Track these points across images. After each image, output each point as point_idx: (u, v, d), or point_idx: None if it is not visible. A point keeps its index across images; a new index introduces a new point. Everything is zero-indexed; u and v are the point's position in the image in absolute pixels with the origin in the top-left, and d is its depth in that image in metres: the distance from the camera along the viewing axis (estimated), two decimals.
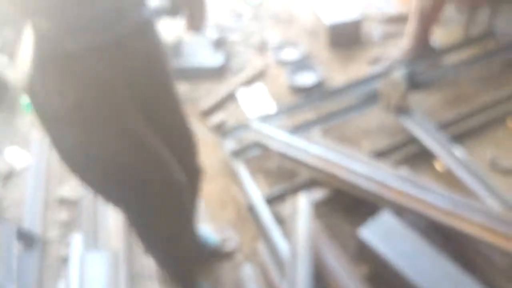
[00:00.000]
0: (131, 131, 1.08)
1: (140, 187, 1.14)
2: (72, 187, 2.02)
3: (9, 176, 2.15)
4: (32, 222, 1.92)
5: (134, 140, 1.09)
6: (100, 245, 1.80)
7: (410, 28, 2.33)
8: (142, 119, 1.11)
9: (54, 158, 2.20)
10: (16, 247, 1.80)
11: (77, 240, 1.82)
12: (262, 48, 2.68)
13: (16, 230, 1.81)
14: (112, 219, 1.85)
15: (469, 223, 1.44)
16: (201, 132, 2.21)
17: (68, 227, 1.91)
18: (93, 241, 1.82)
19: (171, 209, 1.24)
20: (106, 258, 1.73)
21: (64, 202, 1.98)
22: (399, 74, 2.07)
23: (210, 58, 2.57)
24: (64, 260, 1.79)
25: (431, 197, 1.54)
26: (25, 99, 2.45)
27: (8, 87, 2.54)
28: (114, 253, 1.73)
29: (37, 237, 1.87)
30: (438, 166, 1.86)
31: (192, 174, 1.40)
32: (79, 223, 1.90)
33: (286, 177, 1.92)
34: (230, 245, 1.72)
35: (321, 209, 1.75)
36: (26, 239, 1.85)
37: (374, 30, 2.72)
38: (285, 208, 1.73)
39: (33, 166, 2.15)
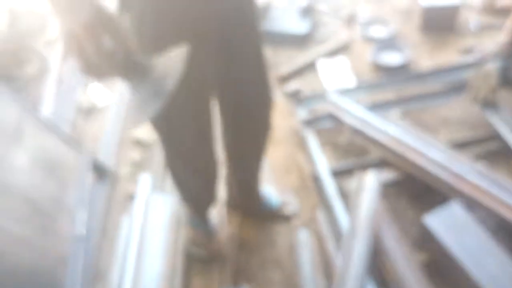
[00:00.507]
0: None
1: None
2: (147, 129, 2.12)
3: (91, 111, 2.30)
4: (106, 157, 2.05)
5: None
6: (167, 188, 1.90)
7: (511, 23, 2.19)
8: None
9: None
10: (90, 177, 1.94)
11: (145, 180, 1.93)
12: (350, 21, 2.63)
13: (91, 161, 1.94)
14: None
15: None
16: (276, 97, 2.23)
17: (139, 166, 2.03)
18: (160, 184, 1.92)
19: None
20: (171, 201, 1.82)
21: (138, 143, 2.10)
22: (492, 67, 1.96)
23: (296, 25, 2.56)
24: (131, 197, 1.91)
25: (506, 195, 1.48)
26: None
27: None
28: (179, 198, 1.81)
29: (109, 172, 2.00)
30: None
31: (261, 127, 1.42)
32: (149, 164, 2.01)
33: (355, 154, 1.91)
34: (290, 209, 1.75)
35: (388, 191, 1.73)
36: (99, 171, 1.98)
37: (471, 19, 2.58)
38: (351, 183, 1.73)
39: (114, 105, 2.28)
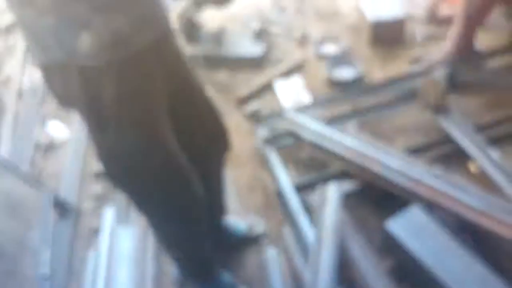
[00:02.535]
0: (159, 133, 1.14)
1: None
2: None
3: (50, 148, 2.25)
4: (68, 193, 2.01)
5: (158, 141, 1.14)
6: (131, 221, 1.86)
7: (455, 31, 2.29)
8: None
9: None
10: (52, 215, 1.89)
11: (109, 213, 1.89)
12: (303, 41, 2.69)
13: (52, 198, 1.89)
14: None
15: (501, 224, 1.41)
16: (236, 119, 2.25)
17: (101, 200, 1.99)
18: (124, 216, 1.89)
19: (182, 206, 1.28)
20: (136, 233, 1.79)
21: (100, 176, 2.06)
22: (440, 74, 2.04)
23: (251, 48, 2.60)
24: (96, 232, 1.86)
25: (464, 196, 1.52)
26: None
27: None
28: (144, 229, 1.78)
29: (72, 207, 1.95)
30: (472, 167, 1.83)
31: (216, 139, 1.43)
32: (112, 197, 1.97)
33: (317, 168, 1.93)
34: (257, 231, 1.74)
35: (350, 201, 1.75)
36: (62, 208, 1.93)
37: (417, 30, 2.68)
38: (314, 197, 1.74)
39: (73, 140, 2.24)
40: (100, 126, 1.07)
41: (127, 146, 1.09)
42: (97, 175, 2.06)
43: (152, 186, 1.19)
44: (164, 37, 1.10)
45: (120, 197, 1.93)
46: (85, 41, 0.91)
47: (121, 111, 1.04)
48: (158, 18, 1.06)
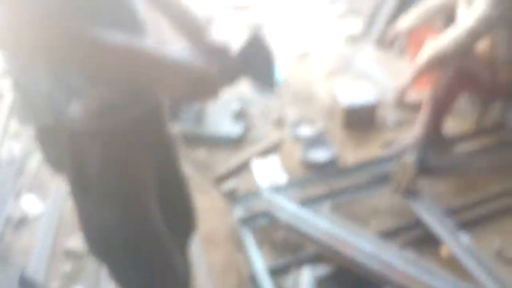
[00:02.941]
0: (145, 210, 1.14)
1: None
2: (79, 239, 2.04)
3: (21, 222, 2.20)
4: (36, 271, 1.93)
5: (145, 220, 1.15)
6: None
7: (423, 116, 2.41)
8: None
9: (67, 209, 2.26)
10: None
11: None
12: (279, 122, 2.79)
13: (18, 277, 1.82)
14: None
15: None
16: (213, 197, 2.26)
17: (70, 279, 1.92)
18: None
19: None
20: None
21: (69, 254, 2.00)
22: (410, 159, 2.11)
23: (230, 128, 2.68)
24: None
25: (435, 281, 1.53)
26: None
27: None
28: None
29: (39, 286, 1.87)
30: (443, 251, 1.84)
31: (184, 217, 1.42)
32: (81, 277, 1.91)
33: (292, 250, 1.92)
34: None
35: (324, 285, 1.73)
36: (28, 287, 1.85)
37: (388, 115, 2.81)
38: (288, 281, 1.72)
39: (46, 215, 2.20)
40: (82, 193, 1.07)
41: (106, 216, 1.08)
42: (67, 253, 2.00)
43: (132, 258, 1.16)
44: (154, 111, 1.13)
45: (88, 276, 1.88)
46: (75, 108, 0.94)
47: (102, 180, 1.04)
48: (150, 93, 1.08)
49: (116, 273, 1.23)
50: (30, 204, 2.27)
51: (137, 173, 1.10)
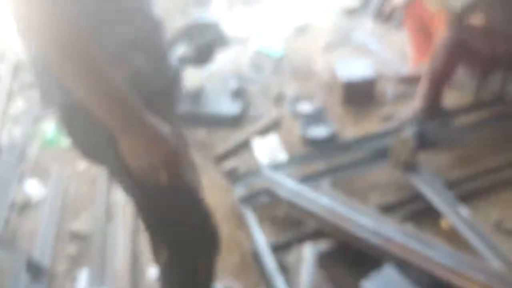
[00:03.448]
0: None
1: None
2: (83, 222, 2.07)
3: (25, 207, 2.22)
4: (41, 254, 1.96)
5: None
6: (106, 283, 1.82)
7: (422, 90, 2.39)
8: None
9: (70, 192, 2.27)
10: (24, 278, 1.83)
11: (83, 275, 1.85)
12: (279, 100, 2.77)
13: (25, 261, 1.85)
14: (120, 258, 1.88)
15: (472, 281, 1.43)
16: (213, 176, 2.26)
17: (76, 261, 1.94)
18: (99, 278, 1.84)
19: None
20: None
21: (74, 237, 2.03)
22: (409, 132, 2.11)
23: (229, 106, 2.66)
24: None
25: (435, 254, 1.54)
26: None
27: None
28: None
29: (45, 270, 1.90)
30: (443, 224, 1.85)
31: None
32: (87, 258, 1.93)
33: (293, 226, 1.94)
34: None
35: (326, 261, 1.75)
36: (34, 270, 1.88)
37: (387, 89, 2.79)
38: (290, 257, 1.73)
39: (49, 199, 2.21)
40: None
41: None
42: (72, 236, 2.02)
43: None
44: (171, 85, 1.11)
45: (95, 258, 1.90)
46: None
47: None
48: (168, 67, 1.07)
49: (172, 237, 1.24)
50: (33, 189, 2.29)
51: None
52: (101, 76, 0.82)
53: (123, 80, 0.88)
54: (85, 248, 1.98)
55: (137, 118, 0.87)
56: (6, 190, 2.27)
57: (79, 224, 2.06)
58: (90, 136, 1.00)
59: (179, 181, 1.01)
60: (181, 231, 1.22)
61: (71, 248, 1.98)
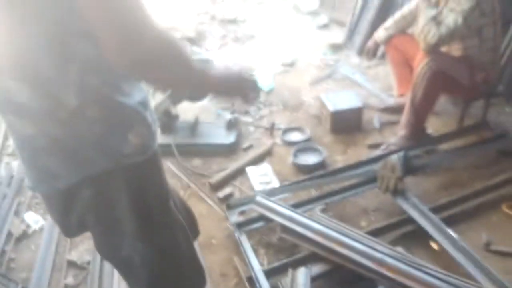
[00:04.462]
0: None
1: None
2: (81, 252, 2.00)
3: (22, 238, 2.15)
4: (39, 284, 1.88)
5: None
6: None
7: (406, 118, 2.41)
8: None
9: None
10: None
11: None
12: (271, 129, 2.77)
13: None
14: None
15: None
16: (209, 204, 2.23)
17: None
18: None
19: None
20: None
21: (71, 266, 1.96)
22: (396, 159, 2.10)
23: (223, 137, 2.65)
24: None
25: (425, 276, 1.51)
26: None
27: None
28: None
29: None
30: (434, 245, 1.82)
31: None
32: None
33: (287, 251, 1.90)
34: None
35: (320, 284, 1.71)
36: None
37: (374, 118, 2.81)
38: (285, 281, 1.69)
39: (46, 230, 2.15)
40: (153, 227, 1.08)
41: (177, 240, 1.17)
42: (70, 265, 1.96)
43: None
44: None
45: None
46: (131, 142, 0.95)
47: (162, 204, 1.10)
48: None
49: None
50: (31, 220, 2.22)
51: (168, 192, 1.13)
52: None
53: (142, 141, 0.98)
54: (83, 278, 1.91)
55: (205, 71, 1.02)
56: (3, 222, 2.20)
57: (77, 254, 1.99)
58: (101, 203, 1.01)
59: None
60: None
61: (68, 278, 1.91)
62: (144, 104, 0.98)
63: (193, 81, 0.98)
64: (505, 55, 2.75)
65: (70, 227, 1.09)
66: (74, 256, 1.98)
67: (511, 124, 2.62)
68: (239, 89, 1.17)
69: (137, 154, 0.96)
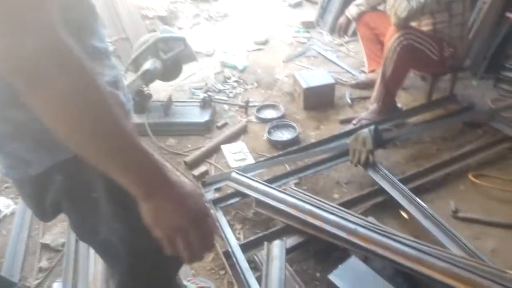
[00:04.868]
0: None
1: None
2: (55, 235, 1.95)
3: None
4: (12, 269, 1.83)
5: None
6: None
7: (377, 93, 2.41)
8: None
9: None
10: None
11: None
12: (245, 107, 2.74)
13: None
14: (92, 270, 1.77)
15: (432, 268, 1.41)
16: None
17: (47, 274, 1.82)
18: None
19: None
20: None
21: (45, 249, 1.91)
22: (367, 132, 2.11)
23: (197, 115, 2.61)
24: None
25: (396, 244, 1.52)
26: None
27: None
28: None
29: (16, 286, 1.78)
30: (404, 214, 1.85)
31: None
32: (59, 271, 1.81)
33: (263, 225, 1.89)
34: None
35: (295, 255, 1.71)
36: (4, 285, 1.75)
37: (346, 93, 2.81)
38: (261, 254, 1.68)
39: (18, 214, 2.08)
40: (131, 206, 1.00)
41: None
42: (43, 248, 1.91)
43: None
44: None
45: (68, 271, 1.79)
46: None
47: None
48: None
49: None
50: (1, 205, 2.15)
51: None
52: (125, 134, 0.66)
53: None
54: (57, 261, 1.86)
55: (163, 178, 0.70)
56: None
57: (51, 237, 1.94)
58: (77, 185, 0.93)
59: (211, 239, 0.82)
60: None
61: (42, 261, 1.86)
62: (116, 83, 0.92)
63: (124, 155, 0.67)
64: (473, 30, 2.78)
65: (45, 212, 1.04)
66: (47, 239, 1.93)
67: (477, 97, 2.66)
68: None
69: None
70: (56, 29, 0.58)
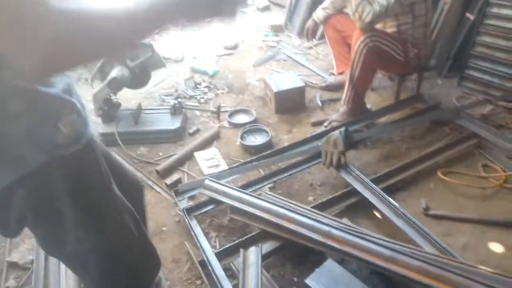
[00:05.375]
0: None
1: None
2: (22, 252, 1.86)
3: None
4: None
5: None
6: None
7: (346, 95, 2.42)
8: None
9: None
10: None
11: None
12: (217, 113, 2.70)
13: None
14: (64, 286, 1.69)
15: (406, 267, 1.41)
16: (158, 191, 2.14)
17: None
18: None
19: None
20: None
21: (13, 268, 1.81)
22: (338, 134, 2.11)
23: (168, 122, 2.55)
24: None
25: (370, 244, 1.52)
26: None
27: None
28: None
29: None
30: (377, 214, 1.85)
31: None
32: None
33: (238, 232, 1.86)
34: None
35: (271, 261, 1.69)
36: None
37: (316, 96, 2.81)
38: (237, 262, 1.65)
39: None
40: (99, 215, 1.02)
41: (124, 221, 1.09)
42: (10, 266, 1.81)
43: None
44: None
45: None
46: (63, 132, 0.86)
47: (105, 188, 1.02)
48: None
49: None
50: None
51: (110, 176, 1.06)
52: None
53: (75, 130, 0.88)
54: (26, 279, 1.77)
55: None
56: None
57: (18, 255, 1.84)
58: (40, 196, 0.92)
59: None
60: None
61: (10, 281, 1.76)
62: (69, 91, 0.89)
63: (144, 26, 0.71)
64: (435, 31, 2.84)
65: (8, 228, 0.99)
66: (15, 257, 1.83)
67: (443, 95, 2.72)
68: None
69: (71, 144, 0.88)
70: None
